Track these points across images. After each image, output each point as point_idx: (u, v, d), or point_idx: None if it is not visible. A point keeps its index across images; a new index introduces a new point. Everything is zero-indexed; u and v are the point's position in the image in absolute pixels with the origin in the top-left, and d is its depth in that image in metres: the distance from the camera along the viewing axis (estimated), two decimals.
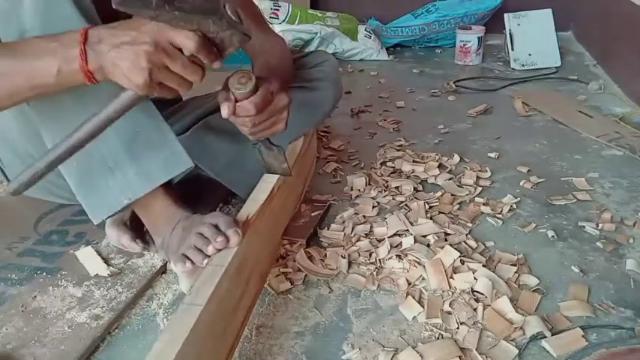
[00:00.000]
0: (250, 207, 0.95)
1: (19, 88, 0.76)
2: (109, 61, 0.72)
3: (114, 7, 0.67)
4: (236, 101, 0.86)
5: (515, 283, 0.99)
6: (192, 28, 0.70)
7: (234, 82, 0.85)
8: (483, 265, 1.01)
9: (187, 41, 0.71)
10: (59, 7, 0.81)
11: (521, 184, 1.36)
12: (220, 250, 0.84)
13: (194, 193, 1.13)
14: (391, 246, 1.08)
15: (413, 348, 0.84)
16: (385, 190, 1.32)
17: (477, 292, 0.95)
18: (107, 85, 0.75)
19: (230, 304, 0.82)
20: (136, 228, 1.08)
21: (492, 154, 1.53)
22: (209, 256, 0.83)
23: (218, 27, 0.71)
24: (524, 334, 0.87)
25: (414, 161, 1.46)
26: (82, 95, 0.82)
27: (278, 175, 1.04)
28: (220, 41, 0.73)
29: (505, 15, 2.46)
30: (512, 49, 2.41)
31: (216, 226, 0.86)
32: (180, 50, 0.72)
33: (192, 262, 0.85)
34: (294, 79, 1.17)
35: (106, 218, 0.96)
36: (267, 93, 0.88)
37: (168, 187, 0.95)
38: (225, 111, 0.86)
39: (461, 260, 1.02)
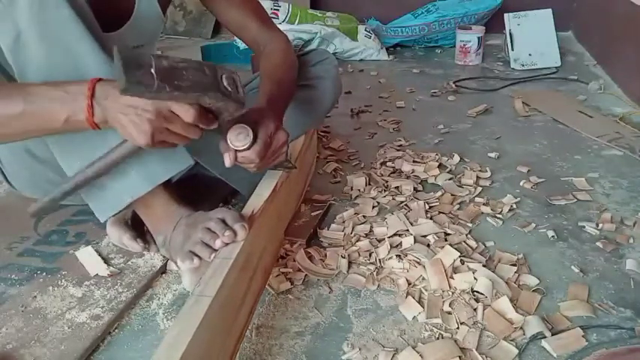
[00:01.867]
0: (255, 202, 0.96)
1: (29, 129, 0.82)
2: (116, 120, 0.77)
3: (120, 93, 0.71)
4: (237, 150, 0.88)
5: (515, 283, 0.99)
6: (190, 102, 0.76)
7: (233, 137, 0.87)
8: (483, 265, 1.01)
9: (186, 114, 0.77)
10: (54, 7, 0.82)
11: (521, 184, 1.36)
12: (227, 244, 0.85)
13: (194, 192, 1.13)
14: (391, 246, 1.08)
15: (413, 348, 0.84)
16: (385, 190, 1.32)
17: (477, 292, 0.95)
18: None
19: (237, 297, 0.83)
20: (137, 227, 1.08)
21: (492, 154, 1.53)
22: (216, 250, 0.85)
23: (214, 99, 0.76)
24: (524, 334, 0.87)
25: (414, 161, 1.46)
26: None
27: (281, 172, 1.05)
28: (216, 109, 0.79)
29: (505, 15, 2.46)
30: (512, 49, 2.41)
31: (223, 221, 0.87)
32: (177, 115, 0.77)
33: (200, 258, 0.87)
34: (297, 76, 1.17)
35: (112, 216, 0.96)
36: (267, 138, 0.90)
37: (168, 186, 0.95)
38: (227, 161, 0.89)
39: (461, 260, 1.02)
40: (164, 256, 1.05)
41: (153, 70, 0.70)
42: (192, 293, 0.74)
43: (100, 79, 0.78)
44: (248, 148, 0.87)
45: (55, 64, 0.84)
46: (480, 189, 1.33)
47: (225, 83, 0.77)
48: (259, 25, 1.16)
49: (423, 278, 1.00)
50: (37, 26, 0.81)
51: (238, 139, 0.87)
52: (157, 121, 0.76)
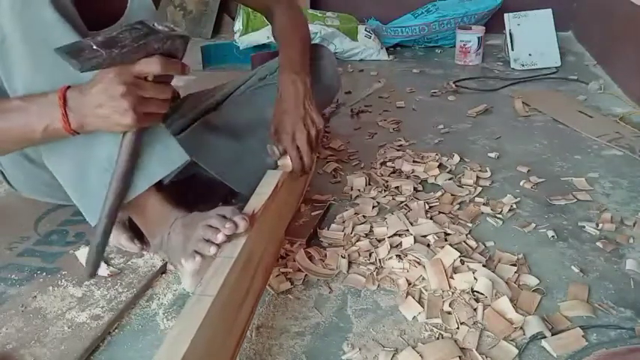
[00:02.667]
0: (256, 201, 0.96)
1: (9, 144, 0.86)
2: (95, 118, 0.80)
3: (80, 72, 0.75)
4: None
5: (515, 283, 0.99)
6: (143, 55, 0.79)
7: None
8: (483, 265, 1.01)
9: (151, 65, 0.79)
10: (37, 8, 0.82)
11: (521, 184, 1.36)
12: (229, 236, 0.84)
13: (192, 194, 1.13)
14: (391, 246, 1.08)
15: (413, 348, 0.84)
16: (385, 190, 1.32)
17: (477, 292, 0.95)
18: None
19: (239, 296, 0.83)
20: (135, 228, 1.08)
21: (492, 154, 1.53)
22: (219, 245, 0.84)
23: (159, 42, 0.80)
24: (524, 334, 0.87)
25: (414, 161, 1.46)
26: None
27: (282, 171, 1.06)
28: (168, 51, 0.82)
29: (505, 15, 2.46)
30: (512, 49, 2.41)
31: (222, 217, 0.87)
32: (145, 78, 0.80)
33: (203, 256, 0.85)
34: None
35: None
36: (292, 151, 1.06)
37: (161, 188, 0.94)
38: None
39: (461, 260, 1.02)
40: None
41: (95, 47, 0.75)
42: (194, 293, 0.74)
43: (68, 87, 0.80)
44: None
45: (41, 64, 0.83)
46: (480, 189, 1.33)
47: (160, 27, 0.81)
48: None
49: (423, 278, 1.00)
50: (22, 30, 0.81)
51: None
52: (130, 93, 0.78)
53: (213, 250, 0.84)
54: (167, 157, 0.92)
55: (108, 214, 0.88)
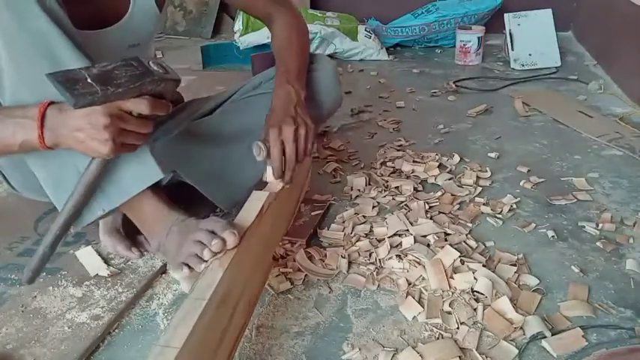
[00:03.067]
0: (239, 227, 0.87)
1: None
2: (73, 140, 0.80)
3: (74, 109, 0.75)
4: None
5: (515, 283, 0.99)
6: (136, 95, 0.80)
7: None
8: (483, 265, 1.01)
9: (140, 106, 0.80)
10: (21, 8, 0.80)
11: (521, 184, 1.36)
12: (217, 253, 0.81)
13: (189, 196, 1.12)
14: (391, 246, 1.08)
15: (413, 348, 0.84)
16: (385, 190, 1.32)
17: (477, 292, 0.95)
18: None
19: (212, 341, 0.75)
20: (130, 234, 1.07)
21: (492, 154, 1.53)
22: (206, 261, 0.81)
23: (153, 85, 0.81)
24: (524, 334, 0.87)
25: (414, 161, 1.46)
26: None
27: (268, 193, 0.96)
28: (159, 93, 0.83)
29: (505, 15, 2.46)
30: (512, 49, 2.41)
31: (212, 232, 0.84)
32: (129, 112, 0.81)
33: (190, 269, 0.83)
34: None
35: (85, 226, 0.94)
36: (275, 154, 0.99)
37: (157, 190, 0.93)
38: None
39: (461, 260, 1.02)
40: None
41: (89, 80, 0.75)
42: (157, 343, 0.66)
43: (50, 103, 0.80)
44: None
45: (24, 71, 0.83)
46: (479, 189, 1.33)
47: (155, 67, 0.81)
48: (265, 3, 1.18)
49: (423, 278, 1.00)
50: (2, 30, 0.81)
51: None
52: (113, 125, 0.78)
53: (201, 265, 0.81)
54: (142, 174, 0.90)
55: (61, 227, 0.87)
